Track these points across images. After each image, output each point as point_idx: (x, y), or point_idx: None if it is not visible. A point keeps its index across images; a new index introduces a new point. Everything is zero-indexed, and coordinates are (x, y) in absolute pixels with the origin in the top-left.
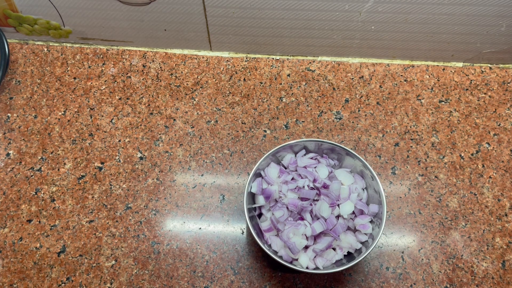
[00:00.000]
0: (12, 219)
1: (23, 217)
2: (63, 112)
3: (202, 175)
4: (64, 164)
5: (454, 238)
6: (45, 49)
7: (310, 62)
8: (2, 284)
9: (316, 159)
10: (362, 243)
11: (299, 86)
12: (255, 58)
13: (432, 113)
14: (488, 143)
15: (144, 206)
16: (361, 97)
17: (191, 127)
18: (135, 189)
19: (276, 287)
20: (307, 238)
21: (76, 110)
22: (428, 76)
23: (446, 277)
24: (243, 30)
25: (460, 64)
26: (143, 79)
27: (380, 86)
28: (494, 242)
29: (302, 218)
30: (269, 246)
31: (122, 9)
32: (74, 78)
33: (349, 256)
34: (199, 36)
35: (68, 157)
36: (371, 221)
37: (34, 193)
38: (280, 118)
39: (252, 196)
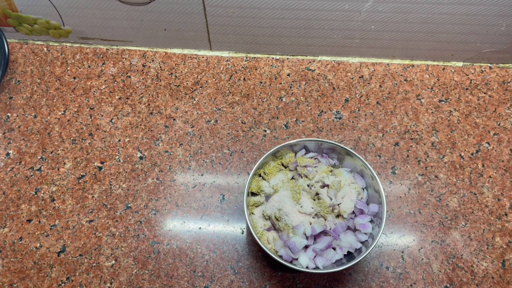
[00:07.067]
0: (12, 219)
1: (23, 217)
2: (63, 112)
3: (202, 174)
4: (64, 163)
5: (454, 237)
6: (45, 49)
7: (310, 62)
8: (2, 284)
9: (316, 158)
10: (362, 242)
11: (299, 86)
12: (255, 57)
13: (432, 112)
14: (488, 143)
15: (144, 206)
16: (361, 96)
17: (191, 127)
18: (135, 188)
19: (276, 286)
20: (307, 237)
21: (76, 109)
22: (428, 76)
23: (446, 277)
24: (243, 30)
25: (460, 64)
26: (143, 78)
27: (380, 86)
28: (494, 242)
29: None
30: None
31: (122, 9)
32: (74, 77)
33: (349, 255)
34: (199, 36)
35: (68, 156)
36: (371, 221)
37: (34, 193)
38: (280, 118)
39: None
